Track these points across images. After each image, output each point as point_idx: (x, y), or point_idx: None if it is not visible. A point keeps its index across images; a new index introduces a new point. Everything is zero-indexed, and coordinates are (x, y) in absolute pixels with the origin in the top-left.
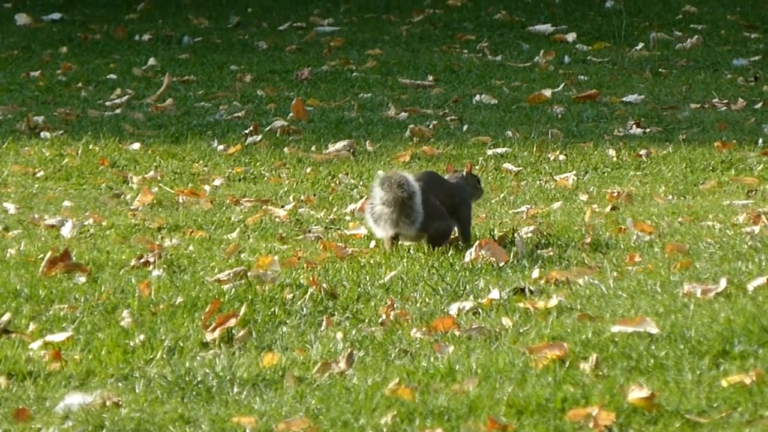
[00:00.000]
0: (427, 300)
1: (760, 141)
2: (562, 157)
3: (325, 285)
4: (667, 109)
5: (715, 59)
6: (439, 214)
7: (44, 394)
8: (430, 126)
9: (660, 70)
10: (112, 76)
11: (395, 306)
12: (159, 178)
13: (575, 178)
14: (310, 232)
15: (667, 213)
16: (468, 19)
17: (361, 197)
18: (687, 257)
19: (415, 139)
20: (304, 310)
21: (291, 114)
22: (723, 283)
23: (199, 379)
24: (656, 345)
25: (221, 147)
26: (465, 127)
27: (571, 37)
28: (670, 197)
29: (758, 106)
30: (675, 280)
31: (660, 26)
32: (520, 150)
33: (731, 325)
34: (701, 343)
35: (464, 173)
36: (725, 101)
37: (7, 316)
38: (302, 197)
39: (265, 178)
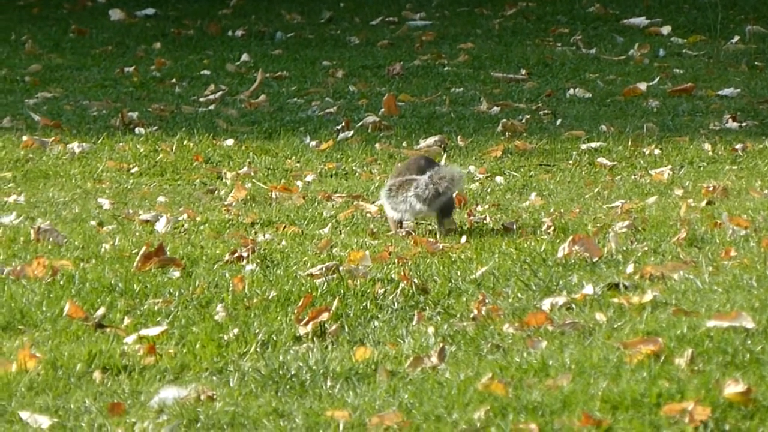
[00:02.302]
0: (519, 295)
1: None
2: (657, 152)
3: (416, 280)
4: (763, 103)
5: None
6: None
7: (139, 388)
8: (523, 120)
9: (756, 63)
10: (206, 72)
11: (487, 301)
12: (252, 174)
13: (670, 172)
14: (401, 227)
15: (763, 207)
16: (561, 12)
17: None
18: None
19: (507, 133)
20: (396, 304)
21: (383, 109)
22: None
23: (292, 372)
24: (752, 340)
25: (313, 143)
26: (558, 122)
27: (666, 30)
28: (767, 192)
29: None
30: None
31: (756, 19)
32: (614, 144)
33: None
34: None
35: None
36: None
37: (102, 311)
38: None
39: (357, 174)
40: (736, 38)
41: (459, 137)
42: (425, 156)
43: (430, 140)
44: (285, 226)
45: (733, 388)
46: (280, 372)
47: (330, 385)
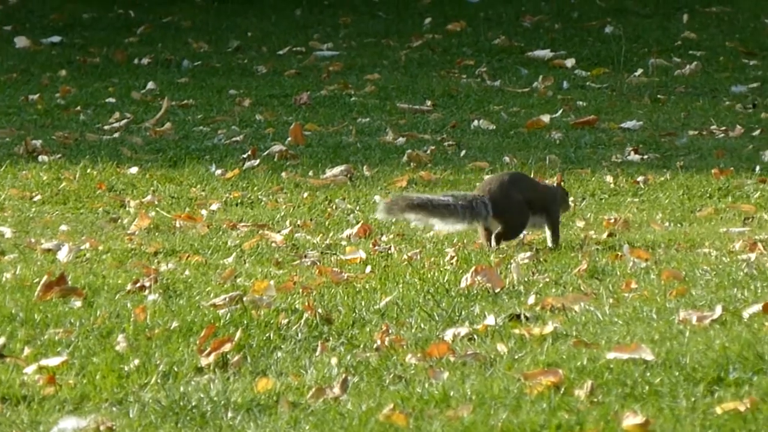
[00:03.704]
0: (422, 325)
1: (758, 168)
2: None
3: (320, 310)
4: (665, 136)
5: (714, 86)
6: (518, 209)
7: (38, 418)
8: (428, 151)
9: (658, 96)
10: (111, 99)
11: (390, 331)
12: (156, 202)
13: (572, 204)
14: (306, 257)
15: (663, 240)
16: (467, 44)
17: (358, 222)
18: (683, 284)
19: (412, 164)
20: (299, 335)
21: (289, 138)
22: (719, 310)
23: (193, 403)
24: (651, 372)
25: (219, 171)
26: (463, 153)
27: (570, 62)
28: (667, 224)
29: (756, 133)
30: (671, 307)
31: (659, 52)
32: None
33: (726, 353)
34: (696, 370)
35: (555, 183)
36: (723, 128)
37: (2, 340)
38: (299, 222)
39: (262, 203)
40: (639, 71)
41: (365, 167)
42: (511, 173)
43: (337, 170)
44: (189, 256)
45: (631, 420)
46: (181, 403)
47: (231, 417)
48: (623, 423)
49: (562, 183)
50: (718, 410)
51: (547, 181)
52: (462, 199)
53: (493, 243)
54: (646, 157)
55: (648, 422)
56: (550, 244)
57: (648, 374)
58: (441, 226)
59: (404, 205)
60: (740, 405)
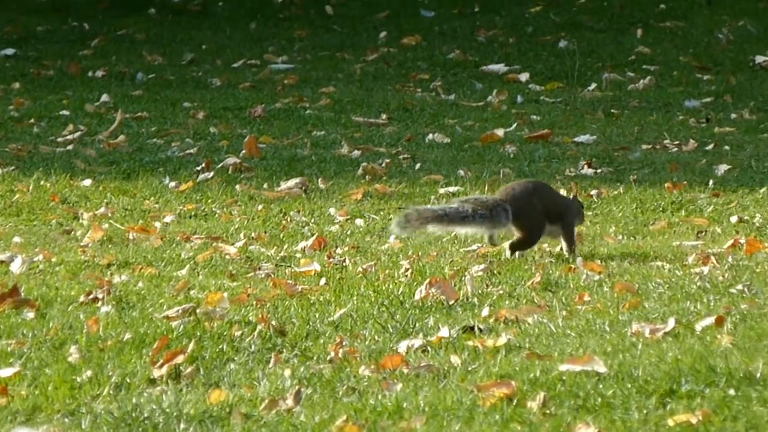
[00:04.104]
0: (376, 338)
1: (711, 182)
2: None
3: (274, 322)
4: (618, 150)
5: (667, 100)
6: (537, 217)
7: None
8: (383, 164)
9: (612, 110)
10: (65, 112)
11: (344, 343)
12: (110, 214)
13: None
14: (260, 269)
15: (617, 253)
16: (422, 58)
17: (312, 235)
18: (636, 297)
19: (367, 177)
20: (253, 347)
21: (243, 151)
22: (671, 322)
23: (145, 415)
24: (604, 384)
25: (173, 184)
26: (417, 166)
27: (524, 77)
28: (621, 237)
29: (709, 147)
30: (624, 320)
31: (613, 67)
32: (471, 189)
33: (679, 365)
34: (648, 382)
35: (572, 196)
36: (677, 142)
37: None
38: (253, 234)
39: (216, 215)
40: (593, 86)
41: (320, 180)
42: (534, 182)
43: (291, 182)
44: (142, 268)
45: None
46: (133, 414)
47: (183, 428)
48: None
49: (578, 195)
50: (671, 422)
51: (563, 193)
52: (481, 207)
53: (508, 252)
54: (599, 170)
55: None
56: (565, 253)
57: (600, 386)
58: (460, 232)
59: (420, 220)
60: (692, 417)
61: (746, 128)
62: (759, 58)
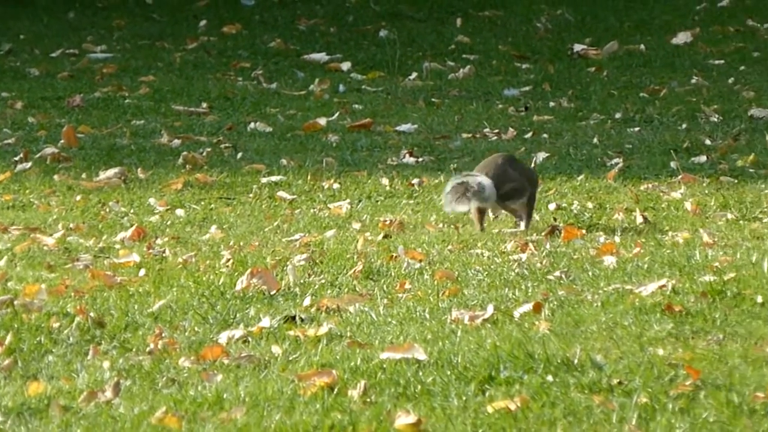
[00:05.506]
0: (196, 329)
1: None
2: (336, 186)
3: (92, 314)
4: (439, 139)
5: (487, 89)
6: (514, 180)
7: None
8: (204, 153)
9: (433, 99)
10: None
11: (164, 335)
12: None
13: (349, 206)
14: (78, 260)
15: (437, 241)
16: (243, 47)
17: (132, 225)
18: (456, 284)
19: (188, 166)
20: (71, 339)
21: (62, 141)
22: (490, 309)
23: None
24: (424, 371)
25: None
26: (239, 155)
27: (345, 66)
28: (441, 225)
29: (528, 135)
30: (444, 307)
31: (433, 56)
32: (294, 178)
33: (497, 351)
34: (468, 369)
35: (532, 165)
36: (496, 131)
37: None
38: (71, 225)
39: (35, 206)
40: (414, 75)
41: (139, 169)
42: (502, 155)
43: (110, 172)
44: None
45: (404, 420)
46: None
47: (1, 421)
48: (396, 423)
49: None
50: (490, 409)
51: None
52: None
53: (523, 225)
54: (420, 159)
55: (420, 421)
56: (521, 225)
57: (420, 374)
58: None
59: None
60: (511, 403)
61: (564, 116)
62: (577, 47)
